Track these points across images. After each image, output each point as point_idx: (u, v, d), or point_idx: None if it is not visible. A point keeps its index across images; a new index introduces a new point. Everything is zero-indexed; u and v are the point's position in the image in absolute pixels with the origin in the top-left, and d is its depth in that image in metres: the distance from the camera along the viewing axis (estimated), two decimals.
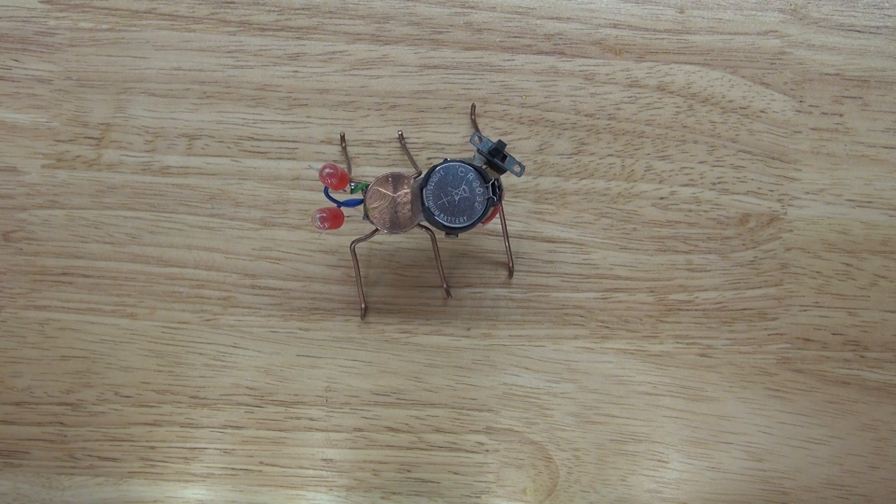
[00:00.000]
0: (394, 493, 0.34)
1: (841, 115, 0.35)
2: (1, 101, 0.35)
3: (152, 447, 0.34)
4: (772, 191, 0.35)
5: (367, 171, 0.35)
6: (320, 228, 0.29)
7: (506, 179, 0.34)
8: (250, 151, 0.35)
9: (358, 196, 0.30)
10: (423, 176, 0.29)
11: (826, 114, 0.35)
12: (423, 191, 0.29)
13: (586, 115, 0.35)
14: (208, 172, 0.35)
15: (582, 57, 0.36)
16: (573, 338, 0.34)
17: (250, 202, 0.35)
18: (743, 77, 0.36)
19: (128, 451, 0.34)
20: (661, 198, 0.35)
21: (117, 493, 0.34)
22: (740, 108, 0.35)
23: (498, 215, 0.33)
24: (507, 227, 0.34)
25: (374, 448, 0.34)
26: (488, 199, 0.29)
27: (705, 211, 0.35)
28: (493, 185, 0.29)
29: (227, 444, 0.34)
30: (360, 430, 0.34)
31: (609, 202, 0.35)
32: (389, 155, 0.35)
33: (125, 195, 0.35)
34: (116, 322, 0.34)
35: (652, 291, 0.35)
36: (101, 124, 0.35)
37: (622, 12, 0.36)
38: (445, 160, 0.29)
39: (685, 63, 0.36)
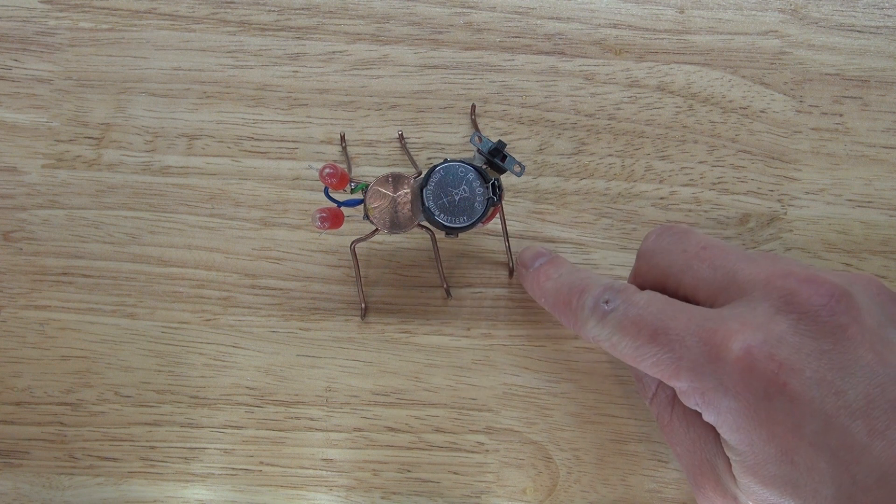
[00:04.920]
0: (394, 493, 0.34)
1: (841, 115, 0.35)
2: (1, 101, 0.35)
3: (152, 447, 0.34)
4: (772, 191, 0.35)
5: (367, 171, 0.35)
6: (320, 228, 0.29)
7: (506, 179, 0.34)
8: (250, 151, 0.35)
9: (358, 196, 0.30)
10: (423, 176, 0.29)
11: (826, 114, 0.36)
12: (423, 191, 0.29)
13: (586, 115, 0.35)
14: (208, 172, 0.35)
15: (582, 57, 0.36)
16: (573, 338, 0.34)
17: (250, 202, 0.35)
18: (743, 77, 0.36)
19: (128, 451, 0.34)
20: (661, 198, 0.35)
21: (117, 493, 0.34)
22: (740, 108, 0.35)
23: (498, 215, 0.33)
24: (507, 227, 0.34)
25: (374, 448, 0.34)
26: (488, 199, 0.29)
27: (705, 211, 0.35)
28: (493, 185, 0.29)
29: (227, 444, 0.34)
30: (360, 430, 0.34)
31: (609, 202, 0.35)
32: (389, 155, 0.35)
33: (125, 195, 0.35)
34: (116, 322, 0.34)
35: None
36: (101, 124, 0.35)
37: (622, 12, 0.36)
38: (445, 160, 0.29)
39: (685, 63, 0.36)
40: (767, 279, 0.24)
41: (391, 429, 0.34)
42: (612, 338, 0.25)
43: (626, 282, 0.27)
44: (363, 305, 0.34)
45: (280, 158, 0.35)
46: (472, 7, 0.36)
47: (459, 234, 0.30)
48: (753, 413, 0.22)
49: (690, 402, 0.23)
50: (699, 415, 0.24)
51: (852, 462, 0.20)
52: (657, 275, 0.27)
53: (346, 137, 0.35)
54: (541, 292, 0.29)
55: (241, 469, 0.34)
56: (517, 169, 0.29)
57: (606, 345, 0.26)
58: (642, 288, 0.28)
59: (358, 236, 0.33)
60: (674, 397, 0.27)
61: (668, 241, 0.28)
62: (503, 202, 0.32)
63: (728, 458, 0.23)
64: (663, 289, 0.27)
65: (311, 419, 0.34)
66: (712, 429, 0.24)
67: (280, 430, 0.34)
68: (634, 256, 0.35)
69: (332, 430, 0.34)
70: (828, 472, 0.21)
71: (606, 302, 0.26)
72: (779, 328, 0.22)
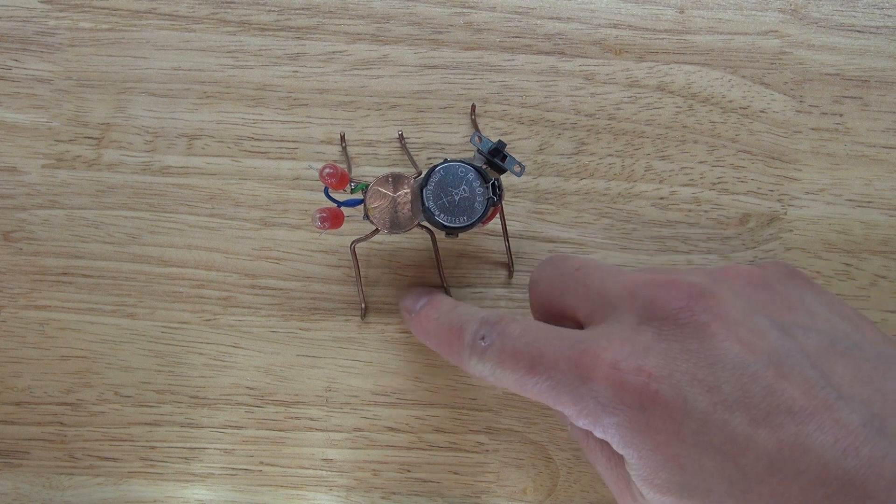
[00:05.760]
0: (394, 493, 0.34)
1: (841, 115, 0.35)
2: (1, 101, 0.35)
3: (152, 447, 0.34)
4: (772, 191, 0.35)
5: (367, 171, 0.35)
6: (320, 228, 0.29)
7: (506, 179, 0.34)
8: (250, 151, 0.35)
9: (358, 196, 0.30)
10: (423, 176, 0.29)
11: (826, 114, 0.36)
12: (423, 191, 0.29)
13: (586, 115, 0.35)
14: (208, 172, 0.35)
15: (582, 57, 0.36)
16: None
17: (250, 202, 0.35)
18: (743, 77, 0.36)
19: (128, 451, 0.34)
20: (661, 198, 0.35)
21: (117, 493, 0.34)
22: (740, 108, 0.35)
23: (498, 215, 0.33)
24: (508, 227, 0.34)
25: (374, 448, 0.34)
26: (488, 199, 0.29)
27: (705, 211, 0.35)
28: (493, 185, 0.29)
29: (227, 444, 0.34)
30: (360, 430, 0.34)
31: (609, 202, 0.35)
32: (389, 155, 0.35)
33: (125, 195, 0.35)
34: (116, 322, 0.34)
35: None
36: (101, 124, 0.35)
37: (622, 12, 0.36)
38: (445, 160, 0.29)
39: (685, 63, 0.36)
40: (631, 291, 0.24)
41: (391, 429, 0.34)
42: (495, 373, 0.25)
43: (502, 312, 0.27)
44: (363, 305, 0.34)
45: (280, 158, 0.35)
46: (472, 7, 0.36)
47: (459, 235, 0.30)
48: (634, 425, 0.22)
49: (581, 424, 0.23)
50: None
51: (738, 454, 0.20)
52: (544, 302, 0.28)
53: (346, 137, 0.35)
54: (425, 335, 0.29)
55: (241, 469, 0.34)
56: (517, 169, 0.29)
57: (491, 380, 0.26)
58: (538, 317, 0.28)
59: (358, 236, 0.33)
60: None
61: (548, 270, 0.28)
62: (503, 202, 0.32)
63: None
64: (550, 315, 0.28)
65: (311, 419, 0.34)
66: None
67: (280, 430, 0.34)
68: (635, 256, 0.35)
69: (332, 430, 0.34)
70: (716, 470, 0.21)
71: (483, 338, 0.26)
72: (643, 338, 0.23)
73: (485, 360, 0.26)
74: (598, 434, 0.23)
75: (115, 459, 0.34)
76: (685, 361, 0.22)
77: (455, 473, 0.34)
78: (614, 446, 0.23)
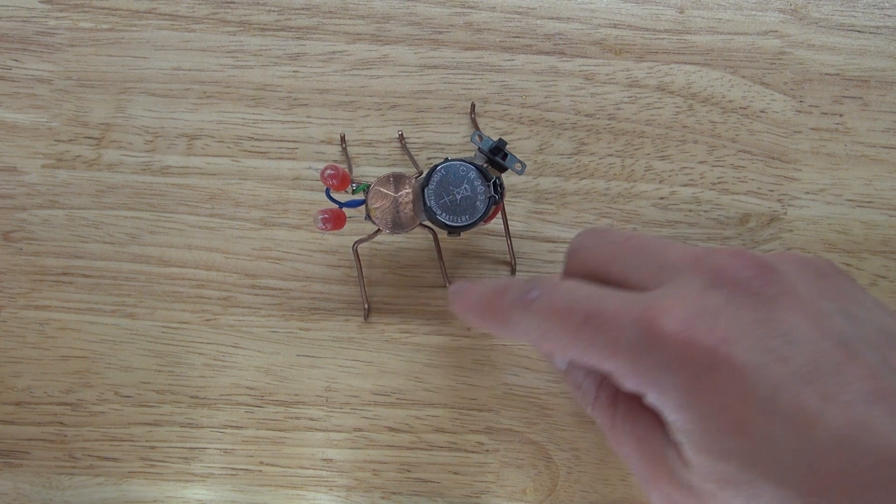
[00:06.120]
0: (394, 493, 0.34)
1: (841, 115, 0.36)
2: (1, 101, 0.35)
3: (152, 447, 0.34)
4: (772, 191, 0.35)
5: (367, 171, 0.35)
6: (322, 229, 0.29)
7: (506, 179, 0.35)
8: (250, 151, 0.35)
9: (359, 197, 0.30)
10: (424, 175, 0.29)
11: (826, 114, 0.36)
12: (425, 190, 0.29)
13: (586, 115, 0.35)
14: (208, 172, 0.35)
15: (582, 57, 0.36)
16: None
17: (250, 202, 0.35)
18: (743, 77, 0.36)
19: (128, 451, 0.34)
20: (661, 198, 0.35)
21: (117, 493, 0.34)
22: (740, 108, 0.35)
23: (499, 214, 0.33)
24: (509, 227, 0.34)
25: (374, 448, 0.34)
26: (490, 197, 0.29)
27: (705, 211, 0.35)
28: (494, 183, 0.29)
29: (227, 444, 0.34)
30: (360, 430, 0.34)
31: (609, 202, 0.35)
32: (389, 155, 0.35)
33: (125, 195, 0.35)
34: (116, 322, 0.34)
35: None
36: (101, 124, 0.35)
37: (622, 12, 0.36)
38: (446, 159, 0.29)
39: (685, 63, 0.36)
40: (696, 258, 0.24)
41: (391, 429, 0.34)
42: (542, 326, 0.24)
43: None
44: (366, 306, 0.34)
45: (280, 158, 0.35)
46: (472, 7, 0.36)
47: (461, 234, 0.30)
48: (698, 385, 0.21)
49: (630, 385, 0.23)
50: (643, 409, 0.24)
51: (809, 426, 0.20)
52: (586, 271, 0.27)
53: (346, 138, 0.35)
54: (468, 306, 0.28)
55: (241, 469, 0.34)
56: (518, 167, 0.29)
57: (536, 334, 0.24)
58: None
59: (359, 237, 0.33)
60: (615, 396, 0.26)
61: (593, 238, 0.27)
62: (504, 201, 0.32)
63: (677, 443, 0.23)
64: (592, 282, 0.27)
65: (311, 419, 0.34)
66: (657, 419, 0.24)
67: (280, 430, 0.34)
68: None
69: (332, 430, 0.34)
70: (784, 439, 0.20)
71: (531, 290, 0.25)
72: (713, 301, 0.22)
73: (532, 313, 0.24)
74: (651, 398, 0.22)
75: (115, 459, 0.34)
76: (756, 329, 0.21)
77: (455, 473, 0.34)
78: (667, 411, 0.22)
